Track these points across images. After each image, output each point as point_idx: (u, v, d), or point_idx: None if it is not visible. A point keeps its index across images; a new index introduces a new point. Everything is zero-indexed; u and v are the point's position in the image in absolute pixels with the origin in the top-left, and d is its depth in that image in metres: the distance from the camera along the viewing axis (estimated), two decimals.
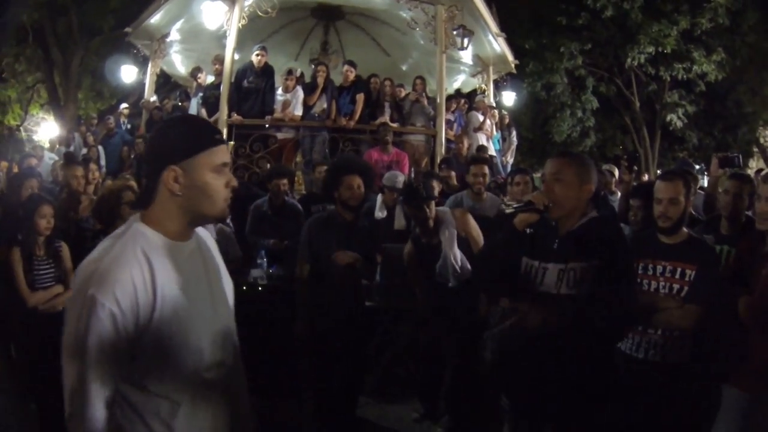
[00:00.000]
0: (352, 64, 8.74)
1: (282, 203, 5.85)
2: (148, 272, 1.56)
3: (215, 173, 1.67)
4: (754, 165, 23.43)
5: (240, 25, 8.41)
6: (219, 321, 1.79)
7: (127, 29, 10.13)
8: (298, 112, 8.28)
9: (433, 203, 4.27)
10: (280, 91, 8.51)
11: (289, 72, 8.71)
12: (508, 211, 2.67)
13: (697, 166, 20.37)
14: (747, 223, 3.58)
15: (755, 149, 22.37)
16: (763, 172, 3.34)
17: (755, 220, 3.23)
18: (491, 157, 9.05)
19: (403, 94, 8.98)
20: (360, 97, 8.37)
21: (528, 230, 2.67)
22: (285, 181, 5.84)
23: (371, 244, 4.28)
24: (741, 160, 4.68)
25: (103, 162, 9.90)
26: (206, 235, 1.88)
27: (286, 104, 8.33)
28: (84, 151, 10.55)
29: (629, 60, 18.20)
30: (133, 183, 5.20)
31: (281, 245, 5.58)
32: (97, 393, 1.51)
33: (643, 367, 3.11)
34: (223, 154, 1.70)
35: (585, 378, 2.48)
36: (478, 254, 3.85)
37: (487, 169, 5.55)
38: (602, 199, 6.30)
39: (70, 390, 1.51)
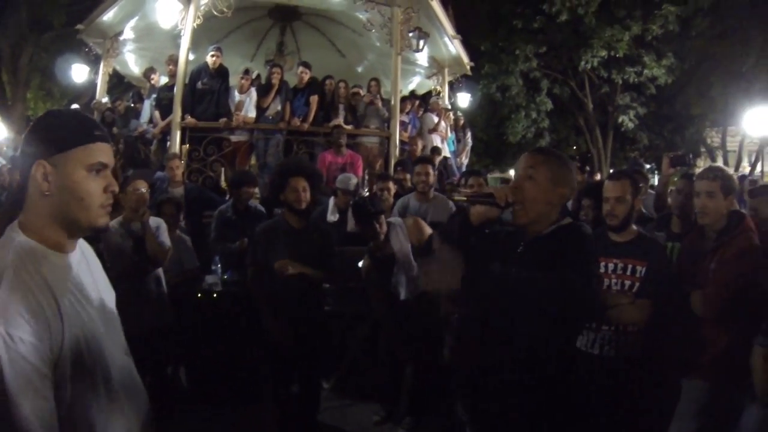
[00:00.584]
0: (306, 65, 8.66)
1: (246, 207, 5.79)
2: (48, 292, 1.39)
3: (90, 173, 1.48)
4: (701, 164, 24.15)
5: (195, 24, 8.25)
6: (115, 334, 1.66)
7: (79, 26, 9.77)
8: (252, 113, 8.18)
9: (382, 217, 4.24)
10: (235, 92, 8.39)
11: (246, 72, 8.60)
12: (457, 198, 2.34)
13: (648, 166, 21.03)
14: (697, 220, 3.67)
15: (702, 149, 23.13)
16: (699, 170, 3.46)
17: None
18: (446, 158, 9.18)
19: (361, 93, 8.95)
20: (314, 99, 8.31)
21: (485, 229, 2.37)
22: (254, 189, 5.82)
23: (323, 249, 4.19)
24: (691, 159, 4.83)
25: None
26: (85, 245, 1.68)
27: (239, 105, 8.23)
28: None
29: (583, 63, 18.68)
30: None
31: (244, 245, 5.43)
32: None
33: (599, 362, 3.18)
34: (102, 152, 1.51)
35: (545, 387, 2.18)
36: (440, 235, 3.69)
37: (431, 169, 5.49)
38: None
39: None
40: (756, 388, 2.87)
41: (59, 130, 1.48)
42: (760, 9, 16.94)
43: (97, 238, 4.23)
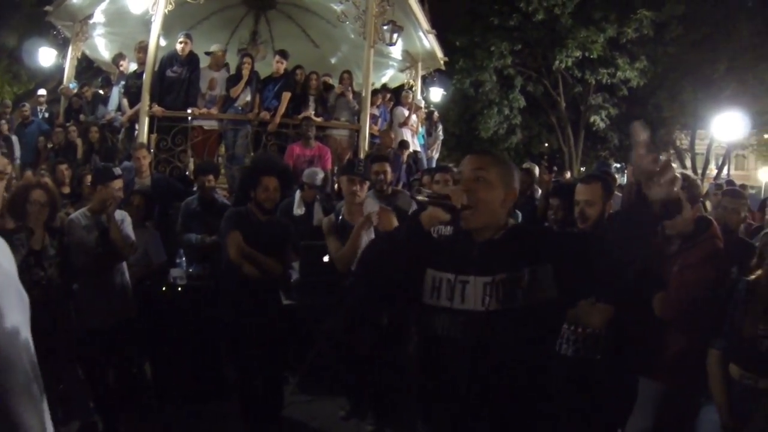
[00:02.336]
0: (283, 54, 8.48)
1: (212, 200, 5.72)
2: None
3: None
4: None
5: (166, 10, 8.09)
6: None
7: (48, 8, 9.51)
8: (223, 93, 8.11)
9: (365, 184, 4.27)
10: (209, 71, 8.27)
11: (223, 51, 8.50)
12: (420, 198, 2.17)
13: (618, 165, 21.37)
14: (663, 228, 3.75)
15: (672, 151, 23.57)
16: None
17: None
18: (415, 152, 9.17)
19: (330, 82, 8.89)
20: (286, 96, 8.17)
21: (434, 234, 2.25)
22: (210, 177, 5.70)
23: (282, 243, 4.24)
24: None
25: (18, 153, 9.36)
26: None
27: (213, 83, 8.13)
28: None
29: (557, 62, 18.89)
30: (47, 180, 4.98)
31: (207, 240, 5.42)
32: None
33: (557, 360, 3.16)
34: None
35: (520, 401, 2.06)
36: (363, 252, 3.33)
37: (388, 167, 5.40)
38: (528, 197, 6.47)
39: None
40: (711, 390, 2.95)
41: None
42: (730, 19, 17.36)
43: (61, 230, 4.20)
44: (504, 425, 2.04)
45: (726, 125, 17.17)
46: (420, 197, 2.15)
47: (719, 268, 3.18)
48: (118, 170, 4.71)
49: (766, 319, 2.72)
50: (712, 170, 23.60)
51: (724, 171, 21.73)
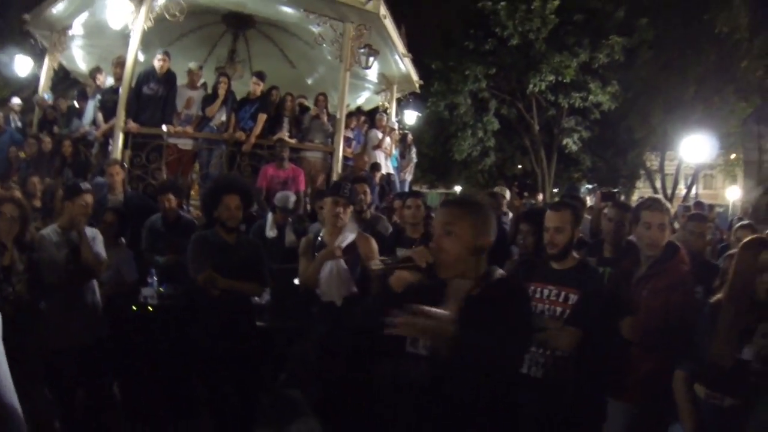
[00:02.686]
0: (260, 76, 8.54)
1: (176, 219, 5.70)
2: None
3: None
4: (640, 185, 25.23)
5: (145, 26, 8.08)
6: None
7: (26, 16, 9.48)
8: (199, 113, 8.13)
9: (349, 208, 4.26)
10: (185, 90, 8.29)
11: (200, 68, 8.52)
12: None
13: (590, 186, 21.76)
14: (627, 247, 3.87)
15: (642, 171, 24.12)
16: (645, 201, 3.63)
17: (635, 244, 3.53)
18: (388, 174, 9.26)
19: (305, 103, 8.99)
20: (261, 117, 8.21)
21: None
22: (170, 196, 5.65)
23: (254, 264, 4.22)
24: (620, 194, 5.19)
25: None
26: None
27: (190, 101, 8.13)
28: None
29: (531, 86, 19.28)
30: (17, 194, 4.93)
31: (174, 260, 5.39)
32: None
33: (526, 382, 3.22)
34: None
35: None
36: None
37: (367, 188, 5.50)
38: (497, 221, 6.59)
39: None
40: (678, 409, 3.01)
41: None
42: (699, 45, 17.91)
43: (31, 245, 4.17)
44: None
45: (694, 147, 17.53)
46: (376, 267, 2.20)
47: (685, 295, 3.30)
48: (86, 185, 4.65)
49: (729, 340, 2.77)
50: (682, 190, 24.09)
51: (693, 190, 22.22)
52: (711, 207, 9.81)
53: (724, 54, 18.26)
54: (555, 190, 21.82)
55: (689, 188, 22.86)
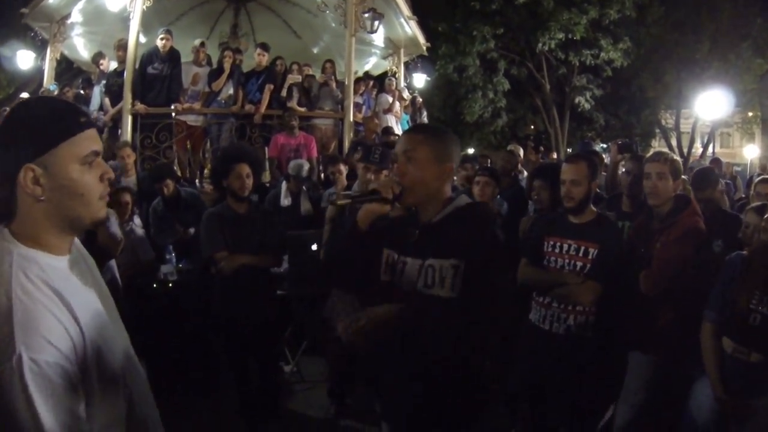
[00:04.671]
0: (264, 47, 8.49)
1: (176, 197, 5.63)
2: (61, 303, 1.26)
3: (84, 166, 1.32)
4: (655, 144, 24.91)
5: (144, 6, 8.03)
6: (120, 328, 1.53)
7: (24, 10, 9.33)
8: (206, 88, 8.11)
9: (381, 174, 4.10)
10: (192, 66, 8.26)
11: (202, 44, 8.45)
12: (339, 202, 2.18)
13: (604, 145, 21.45)
14: (646, 200, 3.75)
15: (657, 130, 23.74)
16: (650, 152, 3.56)
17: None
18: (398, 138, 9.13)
19: (310, 72, 8.93)
20: (268, 88, 8.17)
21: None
22: (167, 182, 5.58)
23: (269, 234, 4.17)
24: (638, 146, 5.00)
25: None
26: (77, 247, 1.51)
27: (196, 78, 8.10)
28: None
29: (540, 45, 18.88)
30: None
31: (186, 235, 5.40)
32: None
33: (548, 338, 3.25)
34: (91, 141, 1.35)
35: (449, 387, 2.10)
36: (326, 247, 3.46)
37: (341, 166, 5.53)
38: (513, 178, 6.50)
39: None
40: (704, 363, 2.96)
41: (39, 126, 1.30)
42: (712, 0, 17.51)
43: None
44: (430, 403, 2.11)
45: (710, 104, 17.35)
46: (340, 201, 2.17)
47: (698, 245, 3.25)
48: None
49: (759, 294, 2.74)
50: (698, 149, 23.76)
51: (710, 149, 21.93)
52: (728, 165, 9.68)
53: (739, 9, 17.86)
54: (569, 150, 21.52)
55: (705, 147, 22.63)
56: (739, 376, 2.80)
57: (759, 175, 6.94)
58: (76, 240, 1.48)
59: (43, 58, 10.58)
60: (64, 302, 1.27)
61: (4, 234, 1.31)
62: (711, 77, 18.27)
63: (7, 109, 7.11)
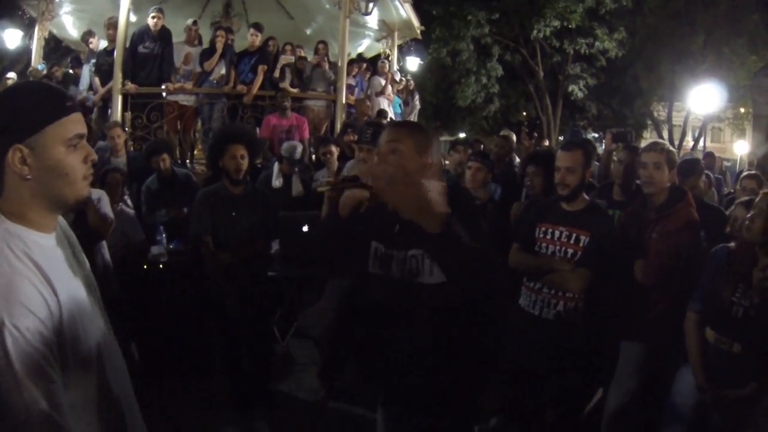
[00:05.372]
0: (258, 27, 8.41)
1: (171, 176, 5.60)
2: (41, 275, 1.35)
3: (69, 148, 1.42)
4: (647, 136, 24.99)
5: None
6: (97, 301, 1.61)
7: None
8: (198, 68, 8.02)
9: (374, 153, 4.14)
10: (183, 46, 8.17)
11: (194, 23, 8.35)
12: (320, 189, 2.11)
13: (596, 135, 21.53)
14: (637, 189, 3.80)
15: (649, 122, 23.80)
16: (645, 143, 3.59)
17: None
18: (391, 120, 9.11)
19: (302, 54, 8.91)
20: (262, 69, 8.11)
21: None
22: (164, 156, 5.55)
23: (264, 215, 4.17)
24: (633, 136, 4.97)
25: None
26: (62, 226, 1.60)
27: (187, 58, 8.01)
28: None
29: (535, 32, 18.80)
30: None
31: (181, 214, 5.34)
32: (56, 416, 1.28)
33: (538, 323, 3.27)
34: (76, 124, 1.44)
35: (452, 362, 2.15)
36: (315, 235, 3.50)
37: (333, 147, 5.56)
38: (507, 163, 6.49)
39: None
40: (688, 351, 3.01)
41: (28, 109, 1.39)
42: None
43: None
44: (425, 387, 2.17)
45: (703, 98, 17.38)
46: (321, 188, 2.11)
47: (695, 237, 3.30)
48: None
49: (742, 287, 2.78)
50: (689, 142, 23.88)
51: (701, 143, 22.04)
52: (719, 159, 9.74)
53: (736, 4, 17.85)
54: (560, 138, 21.54)
55: (697, 140, 22.81)
56: (721, 366, 2.83)
57: (746, 170, 6.99)
58: (62, 220, 1.57)
59: (30, 37, 10.41)
60: (44, 275, 1.35)
61: None
62: (705, 71, 18.32)
63: None
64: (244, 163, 4.01)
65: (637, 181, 3.82)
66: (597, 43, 19.00)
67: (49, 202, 1.43)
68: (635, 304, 3.24)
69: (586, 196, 3.35)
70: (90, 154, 1.47)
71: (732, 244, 3.00)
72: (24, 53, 12.33)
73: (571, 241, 3.21)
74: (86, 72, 8.61)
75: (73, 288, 1.44)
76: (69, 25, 10.33)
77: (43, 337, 1.29)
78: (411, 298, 2.13)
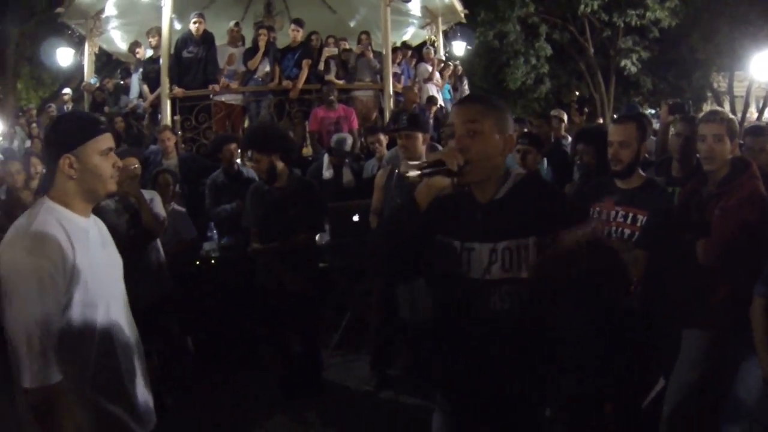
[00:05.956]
0: (298, 23, 8.42)
1: (237, 172, 5.67)
2: (65, 234, 1.92)
3: (102, 156, 2.03)
4: (707, 108, 23.98)
5: None
6: (117, 284, 2.21)
7: (59, 9, 9.57)
8: (242, 68, 8.15)
9: (413, 138, 4.10)
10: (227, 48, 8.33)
11: (236, 25, 8.51)
12: (411, 174, 1.96)
13: (653, 111, 20.76)
14: (698, 164, 3.55)
15: (709, 94, 22.79)
16: (703, 114, 3.33)
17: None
18: (441, 107, 9.03)
19: (346, 47, 8.92)
20: (306, 63, 8.12)
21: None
22: (234, 145, 5.65)
23: (309, 207, 4.18)
24: (690, 107, 4.70)
25: None
26: (99, 220, 2.23)
27: (232, 58, 8.13)
28: (28, 143, 10.17)
29: (582, 7, 18.13)
30: None
31: (241, 207, 5.31)
32: (49, 336, 1.83)
33: (595, 311, 3.05)
34: (108, 140, 2.05)
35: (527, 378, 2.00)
36: (375, 230, 3.35)
37: (381, 136, 5.63)
38: (555, 143, 6.28)
39: (27, 340, 1.80)
40: (755, 340, 2.78)
41: (74, 130, 2.02)
42: None
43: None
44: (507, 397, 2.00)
45: (766, 65, 16.38)
46: (411, 174, 1.95)
47: (762, 211, 3.00)
48: (125, 149, 4.88)
49: None
50: (753, 113, 22.75)
51: (766, 114, 20.92)
52: None
53: None
54: (615, 116, 20.88)
55: (761, 111, 21.60)
56: None
57: None
58: (99, 221, 2.22)
59: (81, 54, 10.78)
60: (70, 239, 1.93)
61: (44, 199, 2.03)
62: (767, 36, 17.35)
63: (53, 105, 7.56)
64: (259, 167, 4.14)
65: (698, 155, 3.56)
66: (648, 14, 18.09)
67: (86, 194, 2.05)
68: (698, 288, 3.02)
69: (642, 173, 3.16)
70: (116, 162, 2.09)
71: None
72: (77, 70, 12.79)
73: (628, 221, 3.03)
74: (135, 81, 8.93)
75: (91, 255, 2.01)
76: (117, 39, 10.68)
77: (55, 264, 1.86)
78: (486, 298, 1.95)
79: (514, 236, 1.91)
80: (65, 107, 11.02)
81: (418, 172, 1.91)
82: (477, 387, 2.02)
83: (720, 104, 22.48)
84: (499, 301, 1.94)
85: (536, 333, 1.93)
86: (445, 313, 2.07)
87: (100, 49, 10.52)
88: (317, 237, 4.67)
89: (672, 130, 4.25)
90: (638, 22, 18.45)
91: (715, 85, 22.97)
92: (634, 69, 19.77)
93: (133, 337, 2.20)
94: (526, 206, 1.93)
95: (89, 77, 10.04)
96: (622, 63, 19.80)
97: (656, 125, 6.31)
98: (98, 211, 4.17)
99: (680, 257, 3.01)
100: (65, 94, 11.73)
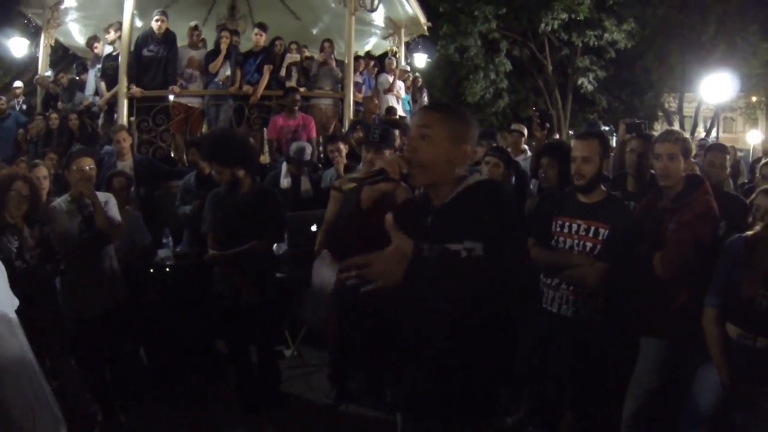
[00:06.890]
0: (262, 27, 8.34)
1: (209, 175, 5.49)
2: None
3: None
4: (658, 128, 24.78)
5: None
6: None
7: None
8: (199, 72, 8.02)
9: (382, 153, 3.96)
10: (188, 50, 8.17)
11: (195, 27, 8.32)
12: (345, 187, 1.99)
13: (606, 128, 21.33)
14: (651, 180, 3.70)
15: (660, 113, 23.57)
16: (659, 134, 3.48)
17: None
18: (401, 118, 8.97)
19: (307, 54, 8.89)
20: (268, 68, 8.03)
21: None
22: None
23: (268, 215, 4.11)
24: (647, 126, 4.86)
25: None
26: None
27: (192, 60, 8.00)
28: None
29: (543, 25, 18.61)
30: (26, 173, 4.82)
31: (198, 208, 5.21)
32: None
33: (557, 321, 3.18)
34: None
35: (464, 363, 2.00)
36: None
37: (341, 145, 5.52)
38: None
39: None
40: (708, 348, 2.91)
41: None
42: None
43: (40, 219, 3.97)
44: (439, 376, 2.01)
45: (714, 87, 17.09)
46: (346, 186, 1.99)
47: (714, 226, 3.19)
48: (81, 149, 4.72)
49: (765, 279, 2.69)
50: (701, 133, 23.66)
51: (713, 133, 21.79)
52: (732, 149, 9.58)
53: None
54: (571, 132, 21.37)
55: (709, 131, 22.51)
56: (745, 362, 2.75)
57: (763, 158, 6.84)
58: None
59: (37, 45, 10.41)
60: None
61: None
62: (716, 60, 18.03)
63: (2, 98, 7.26)
64: (221, 178, 4.04)
65: (652, 171, 3.73)
66: (606, 35, 18.73)
67: None
68: (655, 298, 3.13)
69: (603, 188, 3.24)
70: None
71: (749, 233, 2.91)
72: (31, 62, 12.34)
73: (590, 235, 3.11)
74: (92, 77, 8.65)
75: None
76: (75, 32, 10.37)
77: None
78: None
79: (453, 240, 1.89)
80: (16, 101, 10.67)
81: (354, 185, 1.95)
82: (416, 387, 2.06)
83: (670, 123, 23.34)
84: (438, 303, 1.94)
85: (472, 337, 1.94)
86: (396, 313, 2.11)
87: (57, 41, 10.16)
88: (275, 247, 4.62)
89: (628, 148, 4.40)
90: (596, 43, 19.06)
91: (666, 105, 23.87)
92: (590, 87, 20.37)
93: None
94: (466, 211, 1.94)
95: (44, 70, 9.75)
96: (579, 81, 20.35)
97: (613, 142, 6.48)
98: (49, 213, 4.12)
99: (638, 269, 3.11)
100: (17, 87, 11.25)
